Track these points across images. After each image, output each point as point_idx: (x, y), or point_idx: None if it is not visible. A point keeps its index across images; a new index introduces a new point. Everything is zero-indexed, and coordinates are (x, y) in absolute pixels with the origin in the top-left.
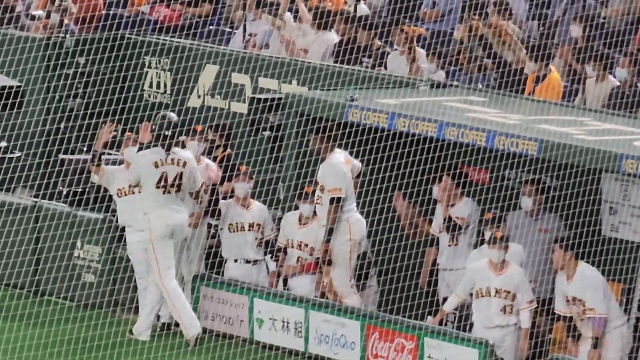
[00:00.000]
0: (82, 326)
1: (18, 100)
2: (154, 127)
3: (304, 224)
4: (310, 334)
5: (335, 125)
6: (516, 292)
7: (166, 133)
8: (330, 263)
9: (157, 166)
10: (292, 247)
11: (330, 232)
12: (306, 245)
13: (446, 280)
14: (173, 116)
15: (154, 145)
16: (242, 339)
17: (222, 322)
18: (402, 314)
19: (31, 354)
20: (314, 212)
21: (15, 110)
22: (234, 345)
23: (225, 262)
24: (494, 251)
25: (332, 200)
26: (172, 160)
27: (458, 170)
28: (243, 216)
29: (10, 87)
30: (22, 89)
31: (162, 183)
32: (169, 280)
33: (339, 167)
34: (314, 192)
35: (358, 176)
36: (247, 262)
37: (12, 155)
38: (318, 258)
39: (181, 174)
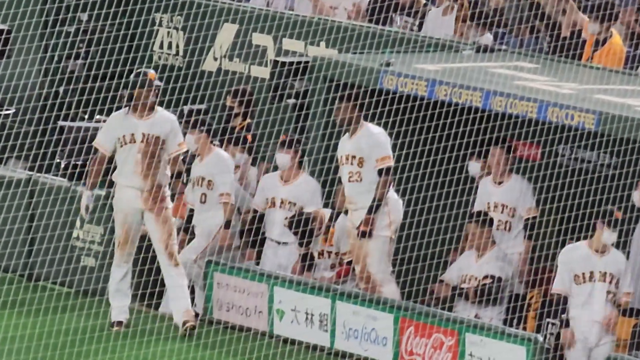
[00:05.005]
0: (80, 315)
1: (8, 48)
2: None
3: (287, 181)
4: (336, 328)
5: (365, 93)
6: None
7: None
8: (370, 235)
9: None
10: (274, 206)
11: (377, 208)
12: (293, 204)
13: None
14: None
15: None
16: (261, 332)
17: (239, 314)
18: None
19: (24, 345)
20: (296, 169)
21: (4, 59)
22: (251, 339)
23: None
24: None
25: (382, 172)
26: None
27: (507, 144)
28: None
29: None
30: (12, 35)
31: None
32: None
33: (383, 135)
34: (291, 141)
35: None
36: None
37: (7, 112)
38: (350, 261)
39: None
